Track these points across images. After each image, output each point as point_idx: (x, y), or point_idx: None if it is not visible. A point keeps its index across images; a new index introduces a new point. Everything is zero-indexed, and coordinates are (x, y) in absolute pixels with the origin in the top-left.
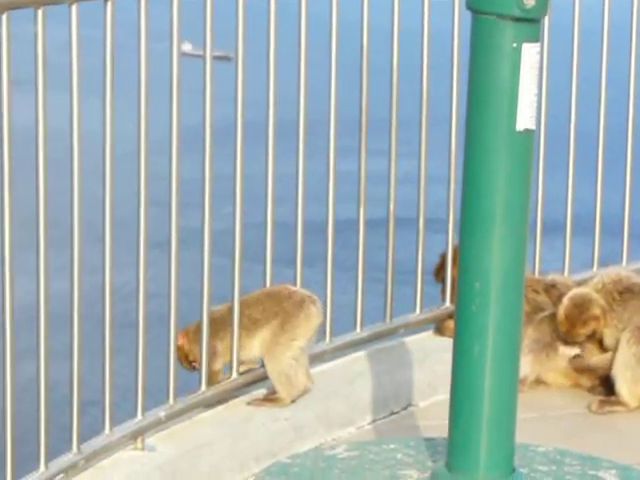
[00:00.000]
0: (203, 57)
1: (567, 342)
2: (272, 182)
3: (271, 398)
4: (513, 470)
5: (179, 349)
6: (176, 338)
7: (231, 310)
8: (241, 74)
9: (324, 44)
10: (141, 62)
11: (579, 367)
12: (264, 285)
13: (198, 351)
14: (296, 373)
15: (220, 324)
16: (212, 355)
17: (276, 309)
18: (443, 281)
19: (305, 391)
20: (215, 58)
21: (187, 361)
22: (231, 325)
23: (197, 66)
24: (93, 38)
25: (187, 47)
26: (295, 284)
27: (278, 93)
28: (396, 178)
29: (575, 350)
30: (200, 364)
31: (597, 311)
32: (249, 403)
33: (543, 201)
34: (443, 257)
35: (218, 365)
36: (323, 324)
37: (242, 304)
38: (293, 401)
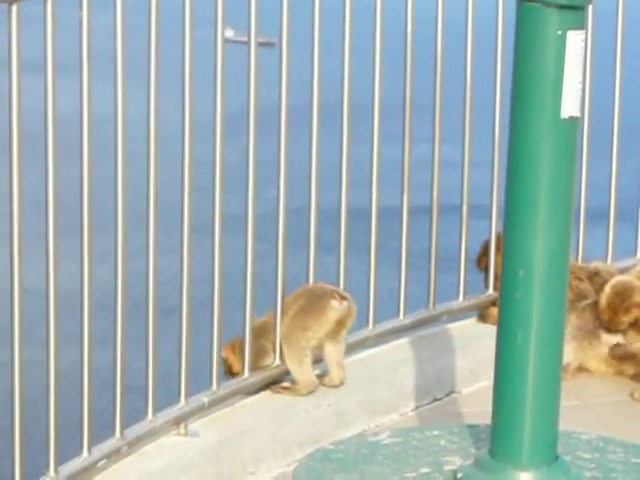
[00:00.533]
0: (246, 43)
1: (610, 330)
2: (316, 168)
3: (288, 387)
4: (556, 457)
5: (224, 360)
6: (220, 344)
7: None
8: (285, 59)
9: (367, 31)
10: (185, 48)
11: (620, 355)
12: (307, 271)
13: (239, 365)
14: (308, 365)
15: (269, 327)
16: (261, 353)
17: (301, 302)
18: (486, 268)
19: (314, 384)
20: (259, 44)
21: (230, 372)
22: (274, 317)
23: (239, 52)
24: (133, 25)
25: (229, 33)
26: (338, 271)
27: (322, 79)
28: (439, 164)
29: (618, 338)
30: (244, 351)
31: (639, 299)
32: (271, 389)
33: (587, 189)
34: (486, 245)
35: (266, 362)
36: (352, 321)
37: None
38: (310, 392)
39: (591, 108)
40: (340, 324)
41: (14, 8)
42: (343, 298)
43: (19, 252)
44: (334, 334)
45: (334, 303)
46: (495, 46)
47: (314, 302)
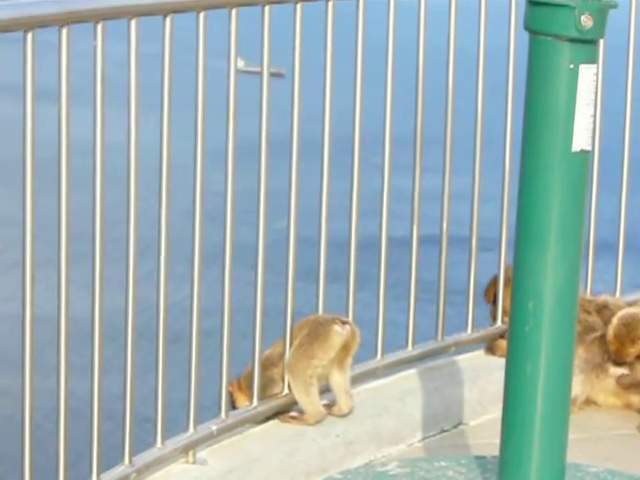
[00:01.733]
0: (256, 73)
1: (617, 362)
2: (326, 198)
3: (296, 416)
4: None
5: (231, 394)
6: (229, 373)
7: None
8: (297, 90)
9: (378, 62)
10: (199, 78)
11: (627, 384)
12: (314, 302)
13: (244, 401)
14: (315, 395)
15: (275, 359)
16: (268, 384)
17: (305, 332)
18: (494, 301)
19: (322, 414)
20: (270, 75)
21: (234, 407)
22: (284, 347)
23: (248, 82)
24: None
25: (240, 64)
26: (347, 301)
27: (333, 110)
28: (449, 196)
29: (624, 370)
30: (250, 387)
31: None
32: (280, 418)
33: (596, 221)
34: (494, 278)
35: (275, 391)
36: (356, 345)
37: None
38: (318, 422)
39: (601, 141)
40: (345, 349)
41: (29, 36)
42: (345, 323)
43: (31, 279)
44: (340, 361)
45: (337, 328)
46: (506, 78)
47: (317, 330)
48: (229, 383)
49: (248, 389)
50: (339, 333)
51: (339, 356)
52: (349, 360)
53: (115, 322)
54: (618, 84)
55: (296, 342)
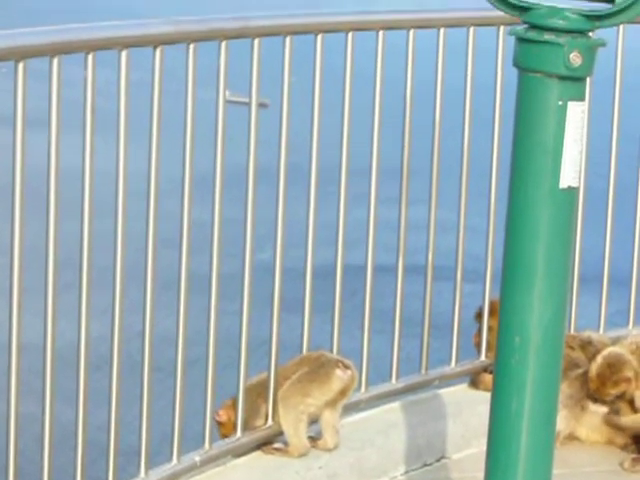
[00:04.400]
0: (240, 103)
1: (596, 400)
2: (312, 229)
3: (280, 448)
4: None
5: (220, 424)
6: (214, 403)
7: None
8: (285, 121)
9: (365, 94)
10: (187, 108)
11: (612, 424)
12: (301, 334)
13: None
14: (303, 430)
15: (263, 388)
16: (255, 413)
17: (306, 369)
18: (479, 334)
19: (306, 448)
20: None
21: (222, 434)
22: (268, 380)
23: (232, 111)
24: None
25: (227, 93)
26: (332, 332)
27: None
28: (435, 228)
29: (604, 408)
30: (236, 412)
31: (630, 373)
32: (262, 449)
33: (580, 257)
34: (479, 311)
35: (259, 422)
36: (353, 389)
37: (281, 370)
38: (302, 455)
39: (587, 176)
40: (342, 393)
41: (20, 65)
42: (347, 367)
43: (18, 306)
44: (334, 402)
45: (339, 373)
46: (493, 112)
47: (319, 370)
48: (215, 408)
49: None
50: (340, 378)
51: (335, 398)
52: (343, 402)
53: (100, 350)
54: (604, 119)
55: (295, 377)
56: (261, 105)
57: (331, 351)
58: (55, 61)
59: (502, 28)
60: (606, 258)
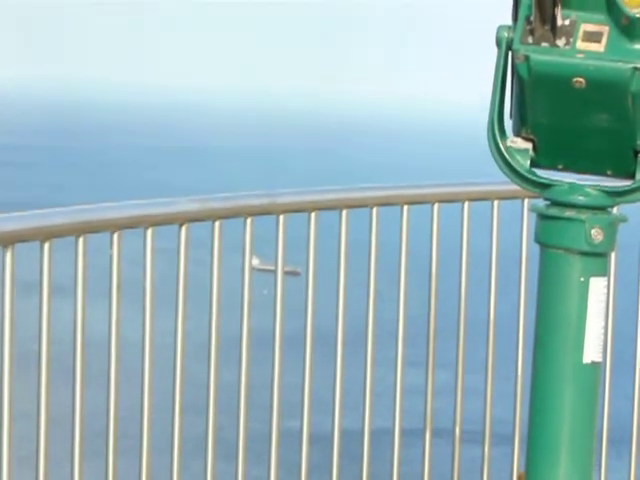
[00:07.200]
0: (270, 271)
1: None
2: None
3: None
4: None
5: None
6: None
7: None
8: (311, 290)
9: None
10: (213, 282)
11: None
12: None
13: None
14: None
15: None
16: None
17: None
18: None
19: None
20: (285, 273)
21: None
22: None
23: (263, 278)
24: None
25: (254, 262)
26: None
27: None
28: (433, 390)
29: None
30: None
31: None
32: None
33: (608, 430)
34: None
35: None
36: None
37: None
38: None
39: (613, 349)
40: None
41: (46, 246)
42: None
43: (44, 475)
44: None
45: None
46: (519, 285)
47: None
48: None
49: None
50: None
51: None
52: None
53: None
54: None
55: None
56: (292, 273)
57: None
58: (80, 240)
59: (526, 201)
60: (634, 431)
